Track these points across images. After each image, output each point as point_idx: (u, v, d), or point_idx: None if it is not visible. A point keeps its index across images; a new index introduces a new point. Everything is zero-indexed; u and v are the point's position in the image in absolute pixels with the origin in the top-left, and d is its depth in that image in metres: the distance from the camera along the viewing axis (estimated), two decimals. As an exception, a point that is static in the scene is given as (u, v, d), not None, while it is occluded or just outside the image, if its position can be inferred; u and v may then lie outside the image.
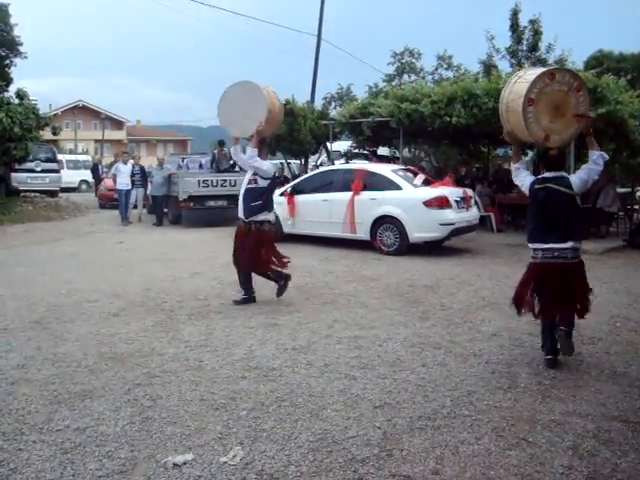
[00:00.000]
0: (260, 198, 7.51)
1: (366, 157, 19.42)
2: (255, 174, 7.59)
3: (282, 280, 7.68)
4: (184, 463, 3.59)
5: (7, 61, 24.87)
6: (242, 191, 7.65)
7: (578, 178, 5.37)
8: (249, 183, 7.61)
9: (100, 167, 28.22)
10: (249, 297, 7.61)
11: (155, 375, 5.04)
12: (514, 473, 3.50)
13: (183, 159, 20.02)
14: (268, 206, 7.64)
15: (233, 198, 16.60)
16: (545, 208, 5.39)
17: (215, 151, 18.88)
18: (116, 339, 6.06)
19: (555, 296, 5.29)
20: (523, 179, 5.67)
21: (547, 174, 5.45)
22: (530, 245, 5.50)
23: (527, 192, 5.58)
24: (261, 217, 7.51)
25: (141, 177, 17.70)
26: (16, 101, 18.68)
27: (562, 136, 5.53)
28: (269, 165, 7.86)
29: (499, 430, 4.05)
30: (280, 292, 7.67)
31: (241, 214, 7.58)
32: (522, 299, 5.56)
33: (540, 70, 5.62)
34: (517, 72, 6.22)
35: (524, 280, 5.58)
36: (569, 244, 5.32)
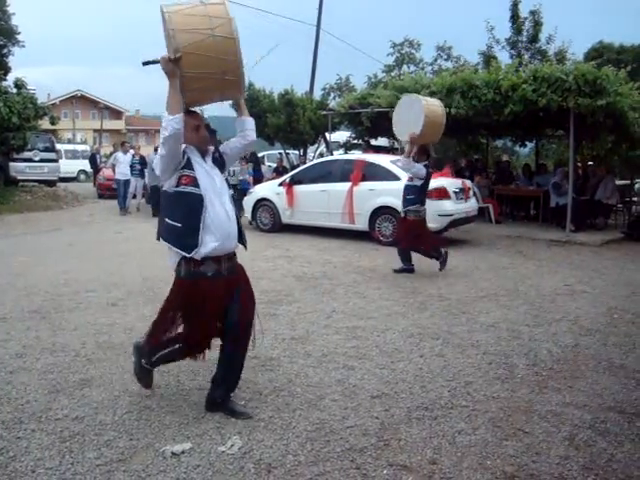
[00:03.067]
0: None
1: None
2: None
3: None
4: (182, 452, 3.60)
5: (5, 50, 24.81)
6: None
7: None
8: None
9: (98, 157, 28.17)
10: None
11: (153, 365, 5.04)
12: (510, 463, 3.52)
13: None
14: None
15: (233, 188, 16.72)
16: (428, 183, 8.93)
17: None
18: (114, 329, 6.07)
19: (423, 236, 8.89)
20: (419, 167, 8.71)
21: (427, 162, 8.86)
22: (420, 207, 8.79)
23: (423, 175, 8.69)
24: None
25: (140, 167, 17.67)
26: (14, 90, 18.63)
27: None
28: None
29: (496, 420, 4.07)
30: None
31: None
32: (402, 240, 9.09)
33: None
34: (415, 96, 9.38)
35: (407, 230, 8.90)
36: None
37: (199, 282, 3.93)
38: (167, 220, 3.93)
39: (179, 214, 3.86)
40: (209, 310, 3.94)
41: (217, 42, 3.68)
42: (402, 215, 9.08)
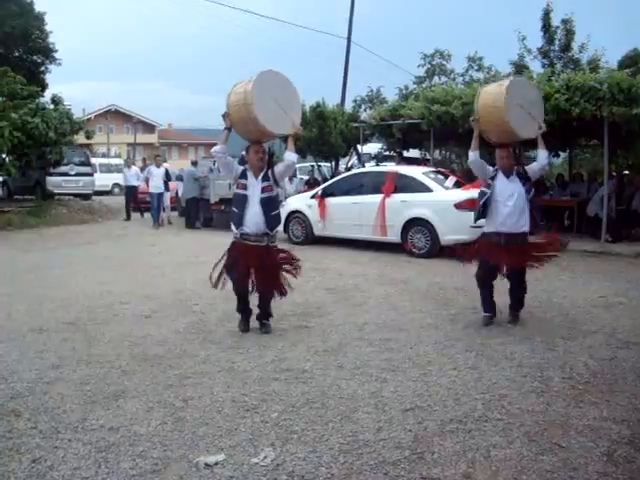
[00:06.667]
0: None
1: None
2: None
3: None
4: (216, 463, 3.62)
5: (42, 67, 25.45)
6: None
7: None
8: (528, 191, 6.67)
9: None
10: None
11: (187, 376, 5.09)
12: (547, 478, 3.46)
13: (214, 162, 20.17)
14: None
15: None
16: None
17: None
18: (148, 341, 6.13)
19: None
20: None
21: None
22: None
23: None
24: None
25: (165, 180, 17.97)
26: (51, 106, 19.06)
27: None
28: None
29: (531, 434, 4.01)
30: None
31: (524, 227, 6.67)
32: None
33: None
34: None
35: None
36: None
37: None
38: None
39: None
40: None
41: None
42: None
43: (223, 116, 6.25)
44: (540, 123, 6.77)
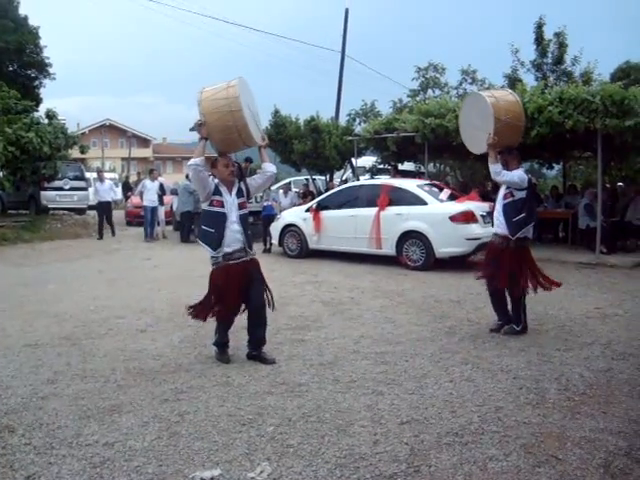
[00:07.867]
0: (522, 211, 6.72)
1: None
2: (508, 188, 6.79)
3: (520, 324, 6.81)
4: (211, 478, 3.59)
5: (37, 82, 25.53)
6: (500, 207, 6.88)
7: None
8: (505, 198, 6.84)
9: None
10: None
11: (182, 391, 5.07)
12: (544, 490, 3.45)
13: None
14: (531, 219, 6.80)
15: (258, 214, 16.86)
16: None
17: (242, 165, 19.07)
18: (144, 355, 6.11)
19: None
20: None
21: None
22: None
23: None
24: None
25: (159, 194, 17.93)
26: (45, 121, 19.05)
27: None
28: (520, 174, 6.71)
29: (528, 447, 4.00)
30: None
31: (504, 230, 6.78)
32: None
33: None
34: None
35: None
36: None
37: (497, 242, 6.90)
38: None
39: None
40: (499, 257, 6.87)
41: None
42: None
43: (198, 125, 5.67)
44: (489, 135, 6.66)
